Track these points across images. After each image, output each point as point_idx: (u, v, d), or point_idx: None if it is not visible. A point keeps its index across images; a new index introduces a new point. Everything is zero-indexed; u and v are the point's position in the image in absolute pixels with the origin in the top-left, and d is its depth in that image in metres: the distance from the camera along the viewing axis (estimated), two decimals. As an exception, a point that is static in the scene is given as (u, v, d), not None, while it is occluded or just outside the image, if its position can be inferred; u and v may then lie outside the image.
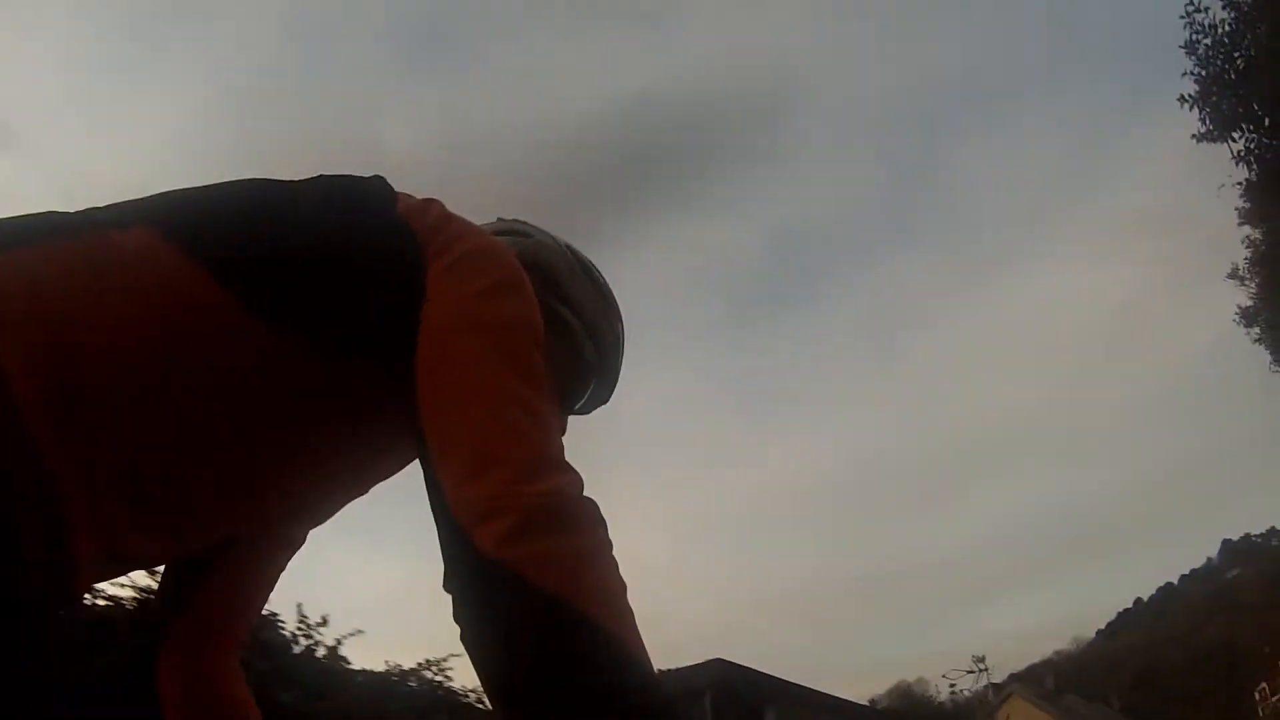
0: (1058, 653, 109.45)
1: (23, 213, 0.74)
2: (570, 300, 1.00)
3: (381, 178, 0.90)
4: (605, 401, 1.11)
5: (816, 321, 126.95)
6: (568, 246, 1.07)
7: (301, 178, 0.88)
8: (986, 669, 23.91)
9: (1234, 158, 13.67)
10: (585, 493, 0.70)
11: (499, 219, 1.09)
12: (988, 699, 45.13)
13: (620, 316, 1.09)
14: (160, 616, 0.97)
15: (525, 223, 1.08)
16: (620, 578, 0.68)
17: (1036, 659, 79.50)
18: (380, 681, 6.93)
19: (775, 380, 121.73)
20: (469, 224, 0.87)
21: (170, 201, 0.80)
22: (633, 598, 0.68)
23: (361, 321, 0.77)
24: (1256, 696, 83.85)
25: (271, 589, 1.02)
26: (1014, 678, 48.08)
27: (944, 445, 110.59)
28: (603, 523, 0.69)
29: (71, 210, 0.77)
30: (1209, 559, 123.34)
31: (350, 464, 0.88)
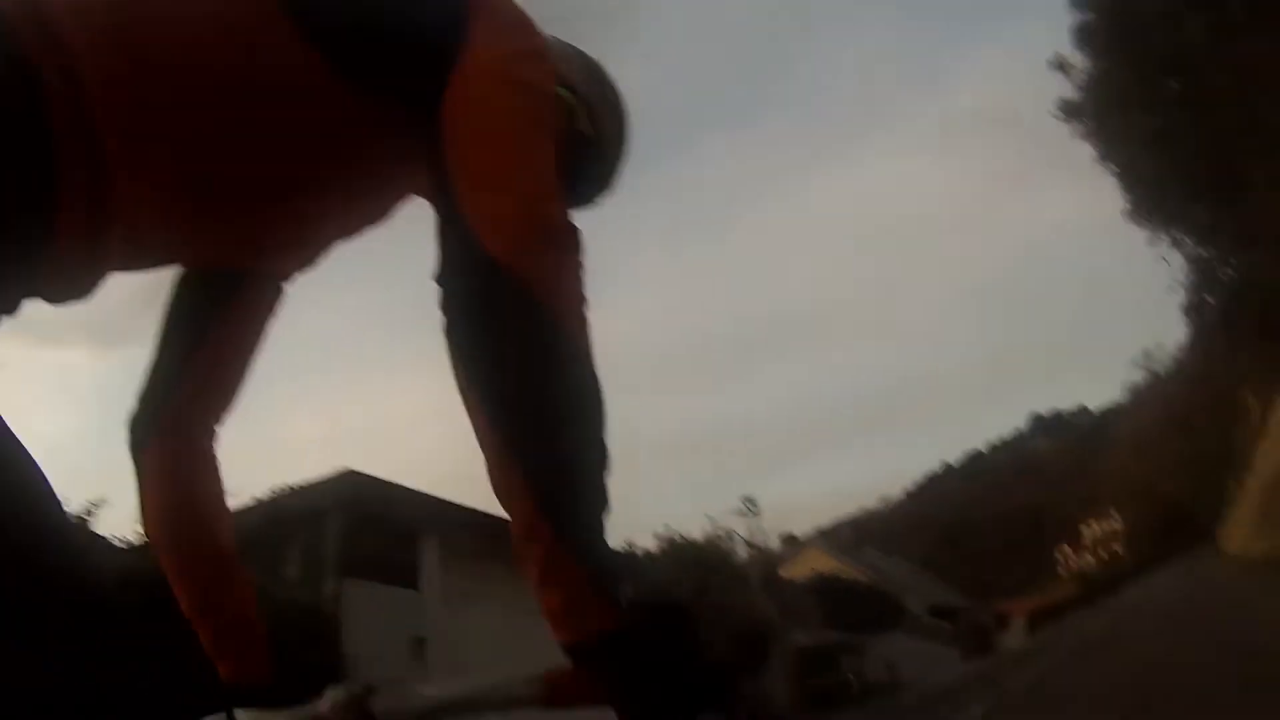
0: (865, 510, 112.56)
1: None
2: (577, 91, 1.03)
3: None
4: (606, 184, 1.15)
5: (656, 189, 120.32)
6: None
7: None
8: (758, 510, 22.67)
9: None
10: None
11: None
12: (773, 551, 42.73)
13: (617, 93, 1.13)
14: (149, 407, 1.01)
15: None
16: (585, 298, 0.80)
17: (842, 517, 79.68)
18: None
19: (605, 243, 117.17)
20: None
21: None
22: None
23: (404, 64, 0.85)
24: (1059, 557, 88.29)
25: (251, 362, 1.06)
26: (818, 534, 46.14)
27: (769, 316, 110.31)
28: (583, 250, 0.82)
29: None
30: (1018, 430, 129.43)
31: (351, 201, 0.94)
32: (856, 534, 53.95)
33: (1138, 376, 71.13)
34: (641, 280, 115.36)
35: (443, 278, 0.80)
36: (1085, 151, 19.05)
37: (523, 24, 0.91)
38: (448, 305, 0.79)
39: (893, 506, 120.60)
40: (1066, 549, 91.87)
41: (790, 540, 43.94)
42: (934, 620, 36.72)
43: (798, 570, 33.67)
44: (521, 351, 0.76)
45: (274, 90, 0.79)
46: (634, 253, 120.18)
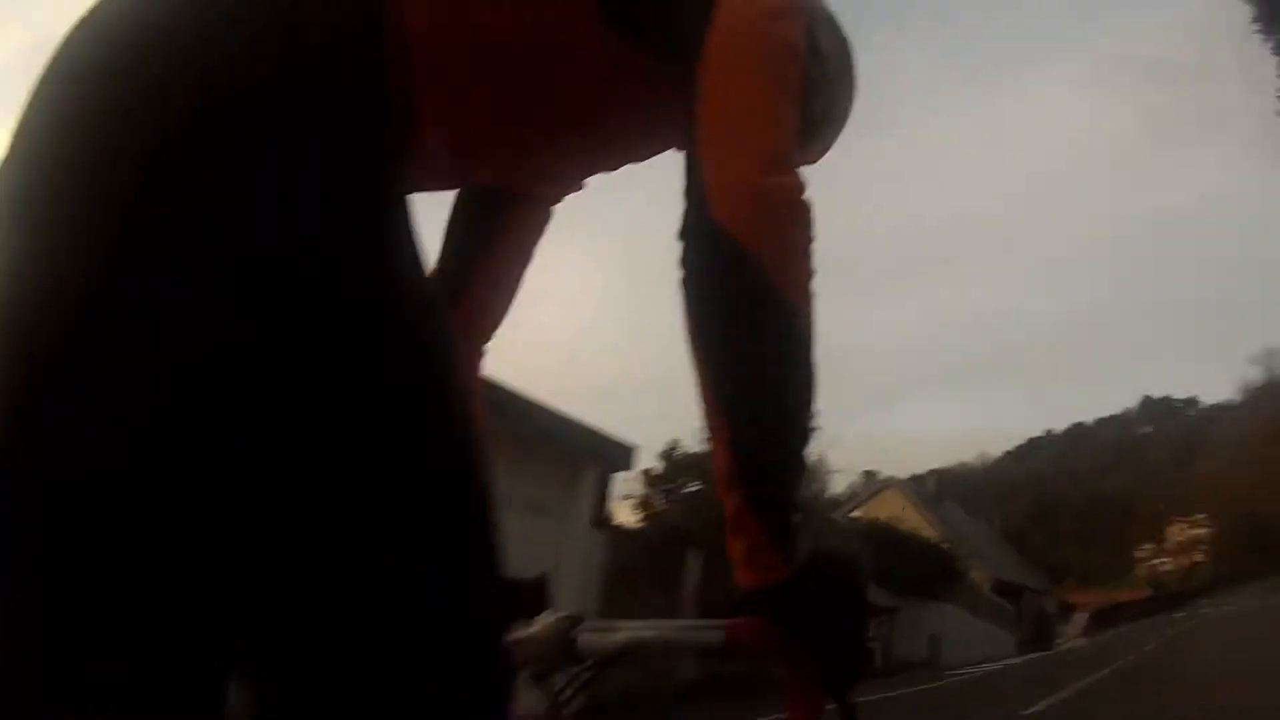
0: (961, 464, 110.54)
1: None
2: (819, 52, 1.01)
3: None
4: (811, 163, 1.12)
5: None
6: None
7: None
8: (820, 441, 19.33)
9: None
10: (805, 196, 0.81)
11: None
12: (855, 489, 42.02)
13: (855, 86, 1.11)
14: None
15: None
16: (813, 273, 0.81)
17: (937, 466, 78.19)
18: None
19: None
20: None
21: None
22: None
23: (666, 17, 0.87)
24: (1137, 555, 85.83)
25: (525, 271, 1.11)
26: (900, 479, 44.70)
27: (900, 235, 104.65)
28: (813, 224, 0.81)
29: None
30: (1127, 409, 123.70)
31: (619, 143, 1.00)
32: (940, 485, 51.86)
33: (1255, 375, 66.44)
34: None
35: (680, 235, 0.81)
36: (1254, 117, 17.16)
37: None
38: (682, 263, 0.81)
39: (989, 465, 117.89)
40: (1148, 546, 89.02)
41: (869, 477, 43.60)
42: (995, 598, 34.22)
43: (871, 510, 33.62)
44: (743, 321, 0.78)
45: (563, 44, 0.84)
46: None
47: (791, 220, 0.79)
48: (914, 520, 32.90)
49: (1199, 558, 75.52)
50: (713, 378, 0.79)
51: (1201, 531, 76.68)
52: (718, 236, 0.77)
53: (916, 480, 49.48)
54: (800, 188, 0.80)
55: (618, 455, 11.45)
